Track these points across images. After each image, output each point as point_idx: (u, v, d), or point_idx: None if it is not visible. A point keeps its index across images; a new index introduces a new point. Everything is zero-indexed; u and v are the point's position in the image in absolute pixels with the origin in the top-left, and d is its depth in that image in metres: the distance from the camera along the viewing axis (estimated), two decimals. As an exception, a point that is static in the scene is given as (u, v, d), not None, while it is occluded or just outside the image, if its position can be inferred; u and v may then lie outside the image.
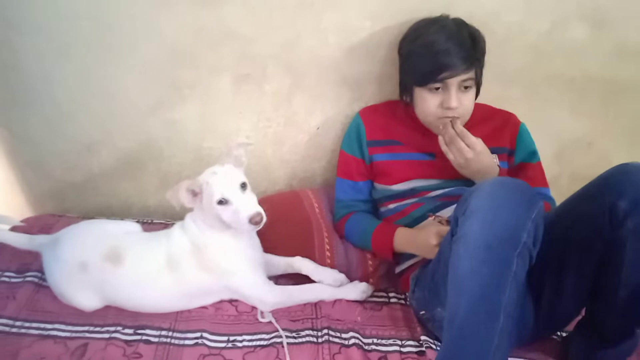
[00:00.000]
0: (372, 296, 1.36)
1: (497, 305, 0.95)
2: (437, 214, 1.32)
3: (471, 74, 1.28)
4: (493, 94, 1.46)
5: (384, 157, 1.42)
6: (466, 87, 1.29)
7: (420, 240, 1.25)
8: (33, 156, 1.55)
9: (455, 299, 0.99)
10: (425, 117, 1.35)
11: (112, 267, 1.23)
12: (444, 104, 1.29)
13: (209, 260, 1.25)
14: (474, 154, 1.25)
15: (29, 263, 1.38)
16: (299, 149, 1.61)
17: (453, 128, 1.27)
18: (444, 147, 1.28)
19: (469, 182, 1.33)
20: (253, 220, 1.16)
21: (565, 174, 1.67)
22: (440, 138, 1.29)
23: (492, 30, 1.35)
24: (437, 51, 1.26)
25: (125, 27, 1.38)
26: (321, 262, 1.39)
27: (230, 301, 1.31)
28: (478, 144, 1.25)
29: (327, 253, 1.40)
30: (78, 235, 1.31)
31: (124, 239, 1.30)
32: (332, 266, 1.38)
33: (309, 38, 1.42)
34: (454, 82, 1.27)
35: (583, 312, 1.18)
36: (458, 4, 1.35)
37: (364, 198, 1.47)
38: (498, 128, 1.40)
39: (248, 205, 1.18)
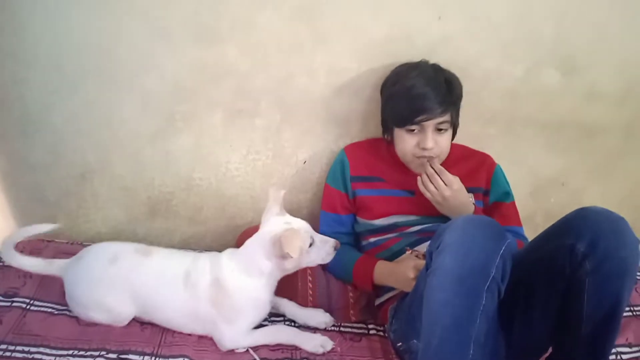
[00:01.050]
0: (351, 327, 1.39)
1: (467, 336, 0.99)
2: (415, 248, 1.37)
3: (446, 117, 1.35)
4: (472, 133, 1.54)
5: (367, 192, 1.48)
6: (442, 130, 1.36)
7: (398, 273, 1.30)
8: (30, 181, 1.57)
9: (429, 329, 1.03)
10: (404, 155, 1.42)
11: (141, 257, 1.31)
12: (421, 144, 1.36)
13: (228, 300, 1.26)
14: (451, 191, 1.32)
15: (17, 288, 1.38)
16: (286, 182, 1.66)
17: (432, 167, 1.34)
18: (421, 187, 1.35)
19: (446, 219, 1.38)
20: (337, 247, 1.29)
21: (540, 211, 1.74)
22: (418, 178, 1.36)
23: (471, 75, 1.44)
24: (415, 95, 1.34)
25: (129, 60, 1.44)
26: (303, 293, 1.42)
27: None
28: (455, 182, 1.33)
29: (310, 284, 1.44)
30: (104, 244, 1.37)
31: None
32: (313, 297, 1.42)
33: (301, 77, 1.50)
34: (430, 124, 1.34)
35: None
36: (439, 50, 1.45)
37: (347, 231, 1.52)
38: (474, 168, 1.47)
39: (324, 237, 1.29)
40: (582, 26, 1.49)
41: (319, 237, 1.28)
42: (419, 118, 1.33)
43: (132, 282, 1.28)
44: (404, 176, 1.45)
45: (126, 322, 1.31)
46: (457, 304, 1.00)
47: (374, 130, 1.58)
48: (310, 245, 1.25)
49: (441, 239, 1.05)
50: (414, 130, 1.37)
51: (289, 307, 1.38)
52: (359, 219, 1.51)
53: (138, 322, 1.32)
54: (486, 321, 1.00)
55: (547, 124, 1.62)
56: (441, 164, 1.37)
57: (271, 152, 1.61)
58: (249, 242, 1.29)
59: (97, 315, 1.29)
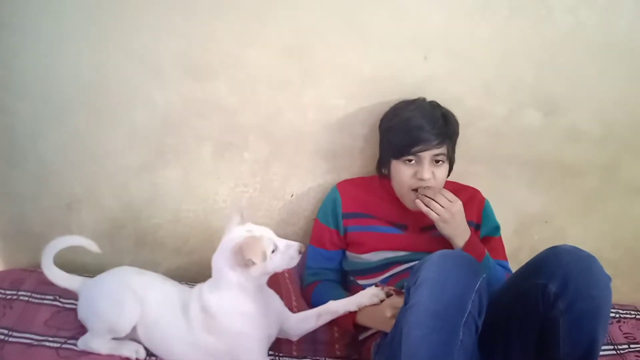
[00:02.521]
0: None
1: None
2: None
3: (443, 150, 1.38)
4: (458, 170, 1.55)
5: (358, 228, 1.48)
6: (438, 162, 1.39)
7: (378, 315, 1.29)
8: (15, 210, 1.57)
9: None
10: (401, 188, 1.43)
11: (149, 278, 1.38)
12: (418, 175, 1.38)
13: (219, 324, 1.26)
14: (458, 207, 1.33)
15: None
16: (273, 214, 1.67)
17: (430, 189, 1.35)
18: (424, 208, 1.33)
19: None
20: (302, 250, 1.25)
21: (525, 248, 1.76)
22: (418, 202, 1.35)
23: (456, 114, 1.47)
24: (412, 127, 1.37)
25: (118, 93, 1.46)
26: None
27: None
28: (457, 198, 1.34)
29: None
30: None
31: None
32: (298, 340, 1.40)
33: (290, 112, 1.53)
34: (426, 155, 1.36)
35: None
36: (425, 89, 1.48)
37: (334, 267, 1.53)
38: (466, 203, 1.47)
39: (288, 242, 1.26)
40: (560, 71, 1.53)
41: (282, 243, 1.25)
42: (416, 148, 1.35)
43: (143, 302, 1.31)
44: (396, 212, 1.47)
45: (123, 334, 1.31)
46: (433, 340, 1.00)
47: (362, 165, 1.61)
48: (274, 251, 1.23)
49: (418, 275, 1.06)
50: (411, 161, 1.38)
51: None
52: (348, 253, 1.51)
53: (119, 357, 1.30)
54: (464, 357, 1.00)
55: (530, 163, 1.65)
56: None
57: (259, 185, 1.63)
58: (214, 256, 1.27)
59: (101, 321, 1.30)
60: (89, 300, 1.35)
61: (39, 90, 1.45)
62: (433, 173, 1.38)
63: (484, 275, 1.05)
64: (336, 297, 1.38)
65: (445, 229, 1.35)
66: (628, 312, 1.65)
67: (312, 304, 1.46)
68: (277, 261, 1.24)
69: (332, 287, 1.47)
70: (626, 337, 1.55)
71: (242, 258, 1.18)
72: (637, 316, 1.64)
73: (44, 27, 1.39)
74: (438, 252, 1.10)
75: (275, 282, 1.47)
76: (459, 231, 1.35)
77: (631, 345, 1.52)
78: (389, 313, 1.25)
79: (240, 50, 1.45)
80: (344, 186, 1.54)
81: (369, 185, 1.53)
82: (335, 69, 1.49)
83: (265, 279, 1.29)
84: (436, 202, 1.33)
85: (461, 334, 1.00)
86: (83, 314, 1.36)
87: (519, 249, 1.74)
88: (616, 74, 1.55)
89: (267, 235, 1.24)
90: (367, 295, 1.32)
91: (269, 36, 1.44)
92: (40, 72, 1.43)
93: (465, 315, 1.00)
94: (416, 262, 1.37)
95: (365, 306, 1.32)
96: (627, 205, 1.73)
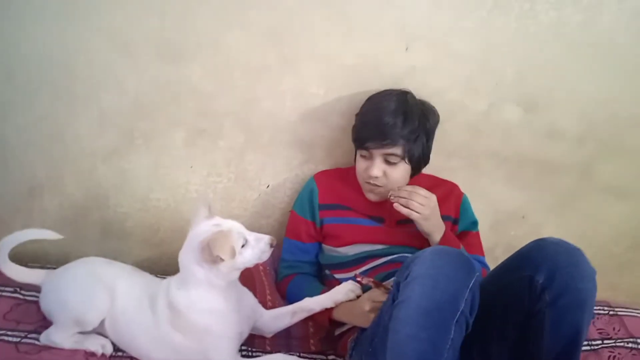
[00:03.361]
0: (311, 358, 1.35)
1: None
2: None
3: (395, 150, 1.33)
4: (436, 165, 1.54)
5: (334, 220, 1.46)
6: (392, 162, 1.34)
7: (356, 309, 1.27)
8: (-27, 196, 1.49)
9: None
10: (358, 177, 1.42)
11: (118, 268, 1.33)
12: (367, 171, 1.36)
13: (186, 322, 1.21)
14: (434, 200, 1.31)
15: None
16: (248, 206, 1.62)
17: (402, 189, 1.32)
18: (403, 210, 1.29)
19: (413, 249, 1.37)
20: (273, 243, 1.21)
21: (500, 244, 1.75)
22: (396, 205, 1.30)
23: (435, 107, 1.45)
24: (369, 120, 1.35)
25: (87, 74, 1.40)
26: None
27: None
28: (431, 194, 1.32)
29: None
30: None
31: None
32: (271, 336, 1.37)
33: (267, 99, 1.48)
34: (376, 153, 1.34)
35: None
36: (405, 81, 1.46)
37: (310, 260, 1.49)
38: (443, 197, 1.46)
39: (258, 235, 1.21)
40: (542, 67, 1.52)
41: (252, 236, 1.21)
42: (366, 144, 1.34)
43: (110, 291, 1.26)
44: (373, 205, 1.44)
45: (90, 328, 1.26)
46: (423, 339, 0.97)
47: (340, 157, 1.57)
48: (244, 245, 1.18)
49: (409, 270, 1.03)
50: (365, 155, 1.37)
51: None
52: (325, 246, 1.48)
53: (84, 351, 1.24)
54: (453, 356, 0.98)
55: (508, 159, 1.65)
56: None
57: (233, 175, 1.58)
58: (181, 251, 1.22)
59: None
60: (54, 292, 1.29)
61: (3, 69, 1.38)
62: (385, 172, 1.35)
63: (478, 273, 1.03)
64: (312, 291, 1.35)
65: (425, 226, 1.32)
66: (602, 308, 1.66)
67: (287, 298, 1.43)
68: (247, 256, 1.19)
69: (308, 281, 1.44)
70: (600, 333, 1.57)
71: (210, 254, 1.13)
72: (610, 312, 1.66)
73: (7, 3, 1.31)
74: (431, 248, 1.07)
75: (249, 276, 1.43)
76: (436, 227, 1.34)
77: (605, 341, 1.54)
78: (367, 307, 1.23)
79: (218, 33, 1.39)
80: (321, 177, 1.51)
81: (346, 176, 1.50)
82: (315, 57, 1.45)
83: (237, 274, 1.24)
84: (413, 201, 1.29)
85: (452, 332, 0.98)
86: (47, 306, 1.29)
87: (495, 245, 1.74)
88: (598, 72, 1.55)
89: (236, 228, 1.19)
90: (344, 291, 1.29)
91: (249, 19, 1.39)
92: (3, 50, 1.36)
93: (458, 314, 0.98)
94: (394, 255, 1.37)
95: (342, 302, 1.30)
96: (602, 204, 1.74)
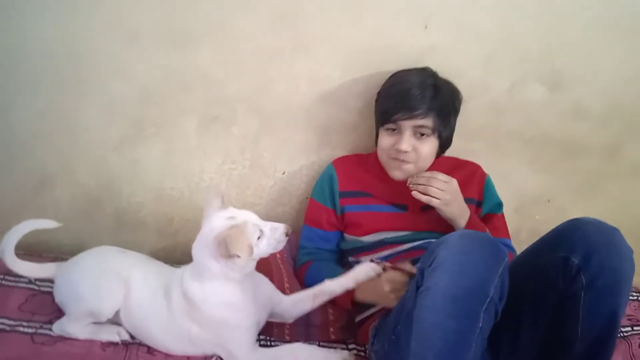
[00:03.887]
0: (331, 347, 1.31)
1: None
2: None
3: (427, 122, 1.29)
4: (457, 148, 1.49)
5: (356, 208, 1.41)
6: (422, 135, 1.31)
7: (377, 288, 1.23)
8: (-17, 188, 1.48)
9: (419, 354, 0.96)
10: (381, 155, 1.37)
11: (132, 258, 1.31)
12: (396, 145, 1.31)
13: (201, 314, 1.18)
14: (455, 184, 1.26)
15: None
16: (263, 193, 1.59)
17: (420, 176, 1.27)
18: (422, 197, 1.26)
19: (439, 235, 1.32)
20: (289, 232, 1.17)
21: (524, 228, 1.70)
22: (415, 193, 1.27)
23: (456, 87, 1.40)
24: (396, 92, 1.31)
25: (94, 63, 1.37)
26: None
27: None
28: (452, 179, 1.27)
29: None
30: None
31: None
32: (291, 322, 1.33)
33: (280, 84, 1.44)
34: (407, 125, 1.29)
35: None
36: (424, 60, 1.40)
37: (331, 248, 1.46)
38: (466, 179, 1.42)
39: (273, 224, 1.17)
40: (566, 46, 1.47)
41: (267, 226, 1.16)
42: (396, 116, 1.29)
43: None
44: (394, 190, 1.39)
45: (104, 319, 1.23)
46: (450, 327, 0.93)
47: (357, 141, 1.53)
48: (259, 237, 1.15)
49: (435, 255, 0.99)
50: (394, 129, 1.32)
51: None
52: (347, 235, 1.44)
53: (99, 342, 1.22)
54: (481, 345, 0.94)
55: (532, 140, 1.59)
56: None
57: (248, 162, 1.54)
58: (194, 244, 1.18)
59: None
60: (67, 284, 1.26)
61: (9, 60, 1.35)
62: (415, 146, 1.31)
63: (507, 259, 0.99)
64: (332, 275, 1.31)
65: (448, 212, 1.28)
66: (630, 294, 1.60)
67: (306, 284, 1.39)
68: (263, 247, 1.16)
69: (328, 266, 1.40)
70: (629, 320, 1.51)
71: (226, 250, 1.09)
72: (639, 298, 1.60)
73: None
74: (457, 232, 1.04)
75: (266, 264, 1.39)
76: (460, 211, 1.29)
77: (634, 328, 1.48)
78: (387, 287, 1.19)
79: (227, 16, 1.35)
80: (341, 163, 1.47)
81: (366, 162, 1.46)
82: (329, 38, 1.40)
83: (253, 266, 1.21)
84: (432, 187, 1.25)
85: (481, 320, 0.93)
86: (61, 298, 1.27)
87: (519, 230, 1.69)
88: (624, 49, 1.49)
89: (251, 220, 1.15)
90: (364, 270, 1.25)
91: (259, 1, 1.34)
92: (9, 40, 1.33)
93: (487, 302, 0.94)
94: (419, 242, 1.33)
95: (363, 282, 1.25)
96: (629, 186, 1.69)
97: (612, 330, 1.03)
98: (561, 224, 1.10)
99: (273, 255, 1.41)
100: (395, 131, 1.32)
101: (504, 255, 0.99)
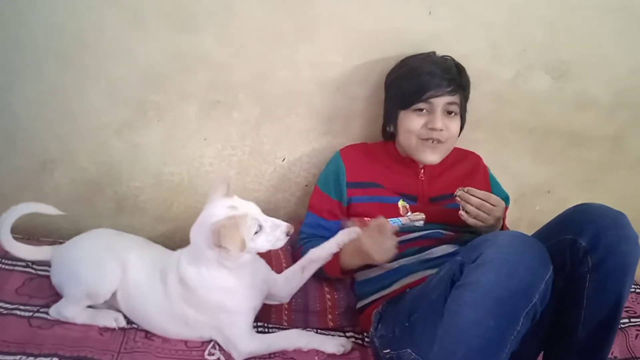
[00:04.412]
0: (328, 335, 1.31)
1: None
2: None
3: (456, 99, 1.30)
4: (460, 136, 1.48)
5: (364, 199, 1.38)
6: (451, 112, 1.31)
7: (359, 246, 1.20)
8: (-16, 171, 1.46)
9: (449, 347, 0.96)
10: (409, 139, 1.33)
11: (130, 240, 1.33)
12: (429, 125, 1.30)
13: (197, 298, 1.18)
14: (501, 210, 1.23)
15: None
16: (263, 180, 1.58)
17: (468, 194, 1.22)
18: (470, 220, 1.21)
19: (447, 226, 1.33)
20: (290, 232, 1.16)
21: (525, 219, 1.70)
22: (462, 213, 1.23)
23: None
24: (423, 72, 1.29)
25: (96, 45, 1.35)
26: (279, 307, 1.35)
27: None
28: (500, 200, 1.24)
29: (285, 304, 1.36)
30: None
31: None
32: (289, 307, 1.34)
33: (282, 69, 1.43)
34: (439, 102, 1.28)
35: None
36: (428, 47, 1.38)
37: (330, 236, 1.44)
38: (470, 171, 1.42)
39: (275, 221, 1.16)
40: (573, 34, 1.46)
41: (269, 222, 1.15)
42: (428, 94, 1.28)
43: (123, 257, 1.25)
44: (404, 182, 1.37)
45: (102, 301, 1.24)
46: (490, 326, 0.92)
47: (359, 128, 1.52)
48: (257, 232, 1.13)
49: (480, 252, 0.97)
50: (422, 110, 1.31)
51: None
52: None
53: (97, 327, 1.22)
54: (515, 346, 0.94)
55: (535, 130, 1.58)
56: (438, 167, 1.32)
57: (248, 148, 1.53)
58: (193, 227, 1.17)
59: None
60: (64, 265, 1.26)
61: (9, 41, 1.33)
62: (446, 125, 1.30)
63: (552, 266, 0.97)
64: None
65: (484, 230, 1.25)
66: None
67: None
68: (260, 243, 1.14)
69: (319, 241, 1.38)
70: (627, 312, 1.52)
71: (218, 242, 1.08)
72: (637, 290, 1.60)
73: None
74: (508, 232, 1.04)
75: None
76: (496, 227, 1.27)
77: (632, 320, 1.49)
78: (368, 244, 1.17)
79: (230, 0, 1.32)
80: (348, 153, 1.43)
81: (374, 151, 1.43)
82: (332, 23, 1.38)
83: (249, 258, 1.19)
84: (482, 212, 1.21)
85: (521, 324, 0.93)
86: (58, 280, 1.27)
87: (519, 220, 1.68)
88: (630, 38, 1.48)
89: (252, 213, 1.13)
90: (345, 232, 1.24)
91: (262, -16, 1.32)
92: (11, 19, 1.31)
93: (530, 306, 0.93)
94: (427, 231, 1.31)
95: (346, 245, 1.25)
96: (632, 178, 1.68)
97: (616, 311, 1.04)
98: (568, 209, 1.11)
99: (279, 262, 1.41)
100: (423, 111, 1.31)
101: (550, 262, 0.98)
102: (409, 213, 1.29)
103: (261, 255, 1.25)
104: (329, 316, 1.35)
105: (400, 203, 1.30)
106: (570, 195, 1.69)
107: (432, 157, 1.34)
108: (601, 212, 1.06)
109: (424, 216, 1.26)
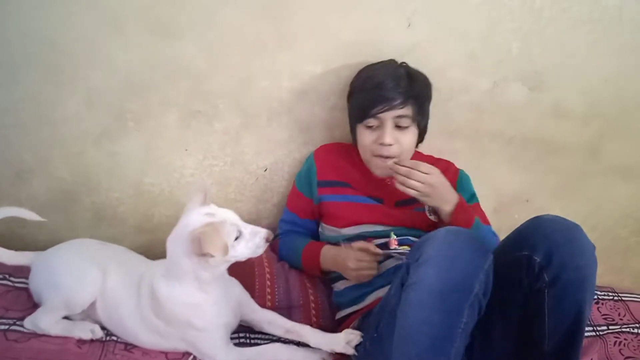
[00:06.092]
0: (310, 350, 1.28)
1: (446, 357, 0.93)
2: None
3: (406, 111, 1.28)
4: (437, 146, 1.50)
5: (333, 198, 1.41)
6: (403, 126, 1.29)
7: (340, 260, 1.27)
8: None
9: (403, 349, 0.96)
10: (364, 154, 1.36)
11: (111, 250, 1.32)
12: (379, 140, 1.29)
13: (165, 312, 1.16)
14: (436, 177, 1.23)
15: None
16: (245, 190, 1.57)
17: (402, 165, 1.24)
18: (402, 188, 1.23)
19: (415, 231, 1.33)
20: (269, 238, 1.15)
21: (503, 228, 1.68)
22: (396, 183, 1.25)
23: (437, 86, 1.40)
24: (372, 85, 1.29)
25: (75, 52, 1.33)
26: (261, 293, 1.35)
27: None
28: (433, 168, 1.24)
29: (268, 282, 1.38)
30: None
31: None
32: (272, 296, 1.35)
33: (263, 79, 1.43)
34: (387, 117, 1.28)
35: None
36: (406, 58, 1.40)
37: (304, 232, 1.48)
38: None
39: (255, 228, 1.14)
40: (546, 45, 1.48)
41: (248, 229, 1.13)
42: (376, 109, 1.27)
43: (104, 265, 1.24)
44: (372, 183, 1.39)
45: (79, 310, 1.22)
46: (436, 323, 0.93)
47: (339, 138, 1.52)
48: (237, 238, 1.11)
49: (421, 251, 0.99)
50: (372, 126, 1.31)
51: (310, 335, 1.24)
52: (326, 226, 1.43)
53: (74, 339, 1.19)
54: (465, 340, 0.94)
55: (512, 140, 1.60)
56: None
57: (229, 158, 1.53)
58: (169, 238, 1.14)
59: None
60: (44, 272, 1.24)
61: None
62: (397, 139, 1.29)
63: (492, 255, 0.99)
64: (301, 244, 1.40)
65: (430, 202, 1.27)
66: (606, 293, 1.63)
67: (280, 256, 1.46)
68: (240, 250, 1.12)
69: (298, 236, 1.45)
70: (605, 319, 1.54)
71: (200, 248, 1.06)
72: (615, 298, 1.62)
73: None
74: (444, 229, 1.03)
75: (250, 266, 1.37)
76: (444, 198, 1.26)
77: (610, 327, 1.51)
78: (352, 265, 1.23)
79: (212, 8, 1.33)
80: (321, 152, 1.47)
81: (347, 151, 1.45)
82: (312, 33, 1.39)
83: (226, 267, 1.18)
84: (411, 179, 1.23)
85: (465, 316, 0.94)
86: (37, 286, 1.25)
87: (498, 229, 1.66)
88: (604, 49, 1.50)
89: (230, 220, 1.11)
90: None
91: (244, -8, 1.33)
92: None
93: (471, 297, 0.94)
94: (399, 237, 1.31)
95: (326, 253, 1.33)
96: (608, 186, 1.71)
97: (578, 326, 1.04)
98: (523, 223, 1.10)
99: (259, 257, 1.40)
100: (374, 127, 1.31)
101: (489, 252, 0.99)
102: (397, 247, 1.27)
103: (245, 261, 1.22)
104: (313, 311, 1.36)
105: (392, 235, 1.29)
106: (548, 204, 1.72)
107: (381, 172, 1.35)
108: (554, 227, 1.05)
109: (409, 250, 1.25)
